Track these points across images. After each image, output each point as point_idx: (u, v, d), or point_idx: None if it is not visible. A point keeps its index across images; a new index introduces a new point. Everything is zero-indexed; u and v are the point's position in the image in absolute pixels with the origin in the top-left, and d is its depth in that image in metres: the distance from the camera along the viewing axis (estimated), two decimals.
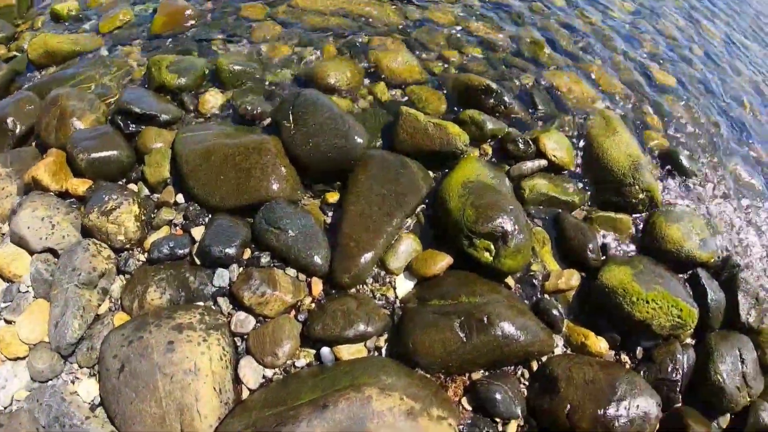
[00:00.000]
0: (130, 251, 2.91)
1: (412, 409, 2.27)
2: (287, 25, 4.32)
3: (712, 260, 3.19)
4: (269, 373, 2.57)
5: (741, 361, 2.86)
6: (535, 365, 2.75)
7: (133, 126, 3.38)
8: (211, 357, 2.41)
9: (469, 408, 2.56)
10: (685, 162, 3.61)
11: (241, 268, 2.83)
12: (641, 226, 3.27)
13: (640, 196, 3.22)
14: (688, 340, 2.96)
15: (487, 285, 2.78)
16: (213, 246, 2.75)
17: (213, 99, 3.65)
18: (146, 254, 2.86)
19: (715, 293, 2.99)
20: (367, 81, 3.89)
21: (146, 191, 3.17)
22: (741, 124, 4.42)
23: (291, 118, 3.25)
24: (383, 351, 2.69)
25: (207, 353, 2.41)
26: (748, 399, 2.83)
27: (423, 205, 3.17)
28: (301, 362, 2.61)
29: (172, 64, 3.67)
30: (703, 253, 3.14)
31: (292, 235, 2.82)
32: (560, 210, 3.28)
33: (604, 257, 3.12)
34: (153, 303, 2.66)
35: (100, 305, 2.71)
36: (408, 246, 2.98)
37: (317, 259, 2.80)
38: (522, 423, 2.60)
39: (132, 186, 3.20)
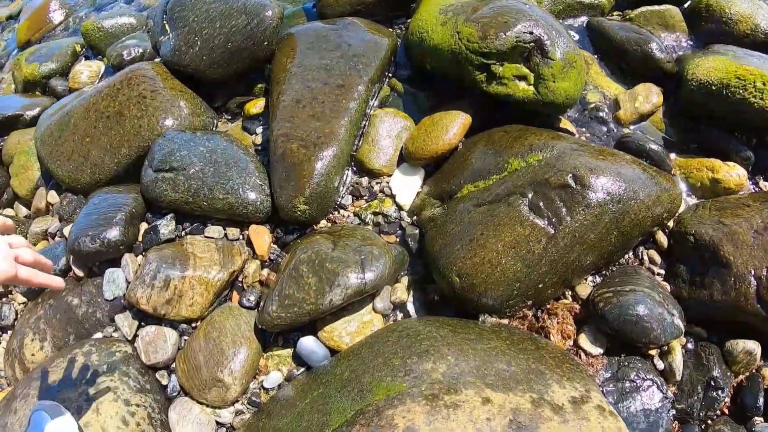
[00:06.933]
0: (8, 296, 1.74)
1: (525, 411, 0.99)
2: None
3: None
4: (227, 415, 1.29)
5: None
6: (663, 240, 1.47)
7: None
8: None
9: (599, 351, 1.28)
10: None
11: (139, 257, 1.53)
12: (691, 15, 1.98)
13: None
14: None
15: (543, 132, 1.49)
16: (81, 237, 1.48)
17: (85, 68, 2.48)
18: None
19: None
20: None
21: (24, 210, 2.07)
22: None
23: (167, 27, 1.93)
24: (413, 308, 1.40)
25: None
26: None
27: (391, 70, 1.89)
28: (272, 378, 1.33)
29: (31, 54, 2.61)
30: None
31: (195, 170, 1.52)
32: (588, 18, 2.01)
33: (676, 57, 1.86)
34: (34, 359, 1.50)
35: None
36: (391, 124, 1.69)
37: (249, 194, 1.50)
38: (683, 338, 1.33)
39: (8, 211, 2.11)
